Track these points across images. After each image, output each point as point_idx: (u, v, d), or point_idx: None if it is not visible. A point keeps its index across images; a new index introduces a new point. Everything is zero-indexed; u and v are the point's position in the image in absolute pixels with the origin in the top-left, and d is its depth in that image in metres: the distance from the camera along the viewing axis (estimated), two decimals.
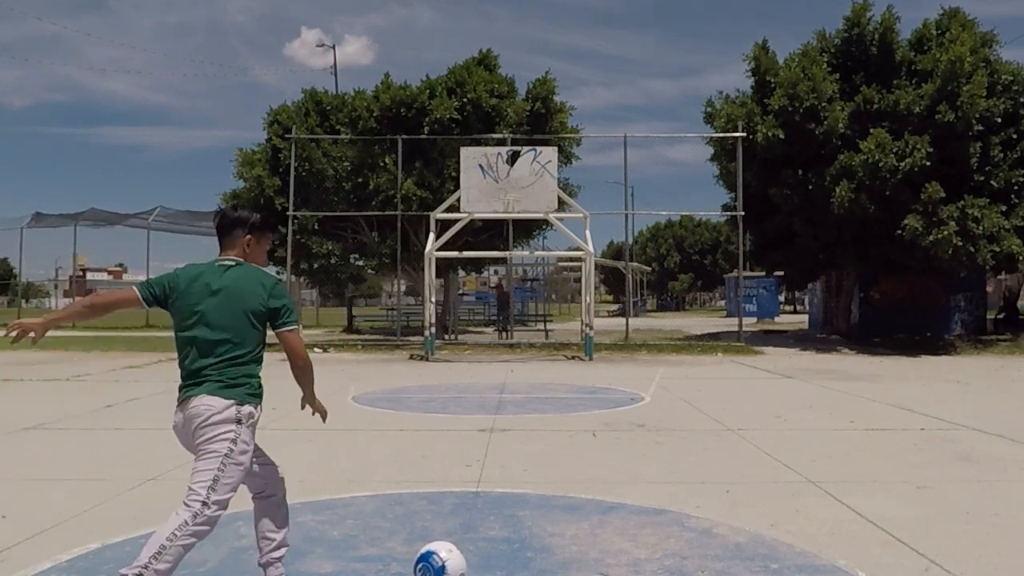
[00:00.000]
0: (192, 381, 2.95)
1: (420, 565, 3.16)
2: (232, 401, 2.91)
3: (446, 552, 3.15)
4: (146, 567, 2.74)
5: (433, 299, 17.06)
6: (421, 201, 19.66)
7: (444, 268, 21.90)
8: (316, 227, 21.01)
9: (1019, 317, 22.93)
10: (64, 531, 4.21)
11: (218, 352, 2.94)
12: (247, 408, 2.95)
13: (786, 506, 4.75)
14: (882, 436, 7.23)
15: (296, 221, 19.63)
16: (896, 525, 4.32)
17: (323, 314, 39.94)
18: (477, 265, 27.55)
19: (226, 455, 2.90)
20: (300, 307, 24.83)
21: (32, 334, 2.97)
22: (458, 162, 16.90)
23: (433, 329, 16.65)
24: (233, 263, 3.08)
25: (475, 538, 4.06)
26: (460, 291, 39.65)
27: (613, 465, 5.95)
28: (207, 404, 2.89)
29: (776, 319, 33.88)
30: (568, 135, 21.84)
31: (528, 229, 22.67)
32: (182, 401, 2.96)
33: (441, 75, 21.25)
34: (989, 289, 26.19)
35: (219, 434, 2.90)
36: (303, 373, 3.12)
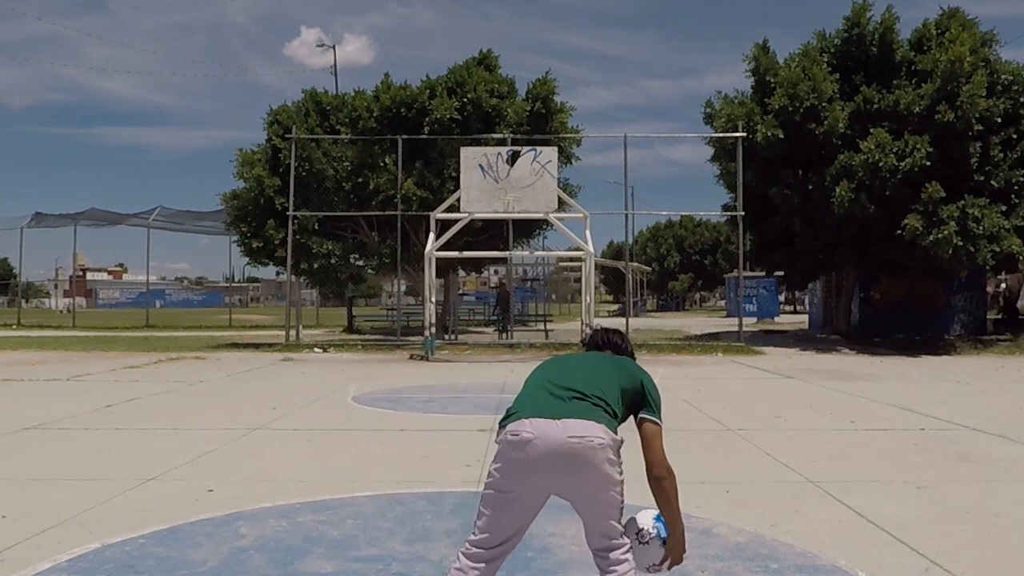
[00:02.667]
0: None
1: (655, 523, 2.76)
2: None
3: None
4: None
5: (433, 299, 17.06)
6: (421, 201, 19.66)
7: (444, 268, 21.89)
8: (316, 227, 21.01)
9: (1019, 317, 22.93)
10: (64, 531, 4.21)
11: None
12: None
13: (786, 506, 4.75)
14: (882, 436, 7.23)
15: (296, 221, 19.63)
16: (896, 525, 4.32)
17: (323, 314, 39.96)
18: (477, 265, 27.52)
19: None
20: (300, 307, 24.84)
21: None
22: (458, 162, 16.90)
23: (433, 329, 16.65)
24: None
25: None
26: (460, 291, 39.67)
27: None
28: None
29: (776, 319, 33.87)
30: (568, 135, 21.82)
31: (528, 229, 22.66)
32: None
33: (441, 75, 21.24)
34: (989, 289, 26.18)
35: None
36: (663, 490, 2.67)
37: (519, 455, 2.45)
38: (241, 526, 4.32)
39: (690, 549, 3.93)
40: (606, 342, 2.95)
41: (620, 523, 2.59)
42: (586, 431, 2.43)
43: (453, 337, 21.84)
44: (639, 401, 2.68)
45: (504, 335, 22.32)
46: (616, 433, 2.55)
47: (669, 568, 2.77)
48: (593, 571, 3.66)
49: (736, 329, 19.83)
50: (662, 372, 13.26)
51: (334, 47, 42.80)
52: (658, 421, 2.66)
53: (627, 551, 2.60)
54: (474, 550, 2.55)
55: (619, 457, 2.55)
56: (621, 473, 2.54)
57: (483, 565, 2.56)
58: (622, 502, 2.58)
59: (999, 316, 23.28)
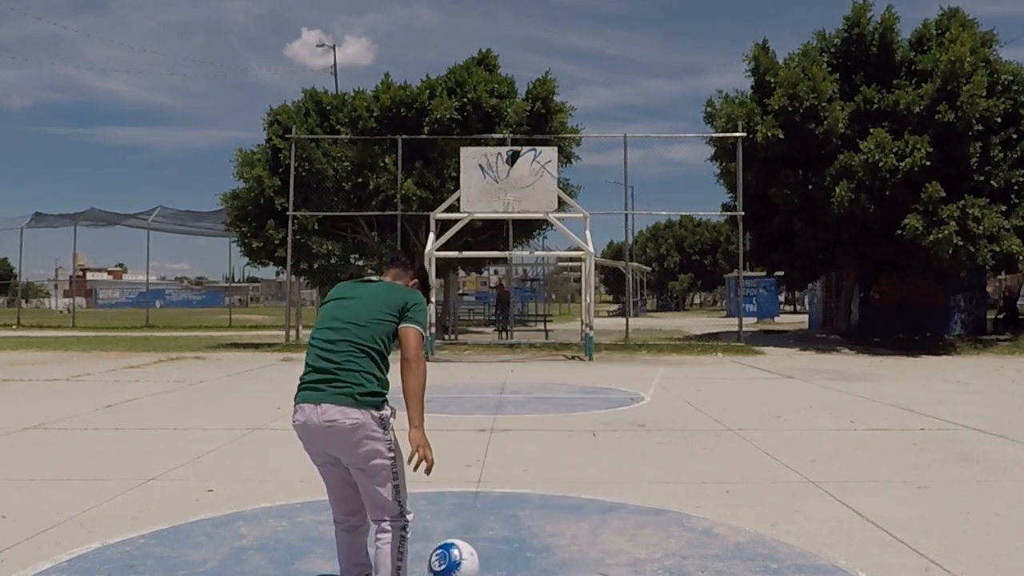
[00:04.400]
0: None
1: (438, 551, 3.13)
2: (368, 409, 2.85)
3: (468, 554, 3.12)
4: None
5: (433, 299, 17.06)
6: (421, 201, 19.65)
7: (444, 268, 21.88)
8: (316, 227, 21.00)
9: (1019, 317, 22.93)
10: (64, 531, 4.21)
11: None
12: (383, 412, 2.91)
13: (786, 506, 4.75)
14: (882, 436, 7.23)
15: (296, 221, 19.63)
16: (896, 525, 4.32)
17: None
18: (477, 265, 27.52)
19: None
20: (300, 307, 24.83)
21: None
22: (458, 162, 16.89)
23: (433, 329, 16.66)
24: (376, 280, 3.18)
25: (475, 538, 4.06)
26: (460, 291, 39.65)
27: (613, 465, 5.95)
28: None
29: (776, 319, 33.87)
30: (568, 135, 21.82)
31: (528, 229, 22.65)
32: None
33: (441, 75, 21.23)
34: (989, 289, 26.18)
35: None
36: (409, 374, 2.92)
37: (301, 435, 2.91)
38: (241, 526, 4.32)
39: (690, 549, 3.94)
40: (393, 261, 3.32)
41: (395, 499, 2.89)
42: (339, 415, 2.79)
43: (453, 337, 21.85)
44: (405, 315, 2.98)
45: (504, 335, 22.33)
46: (378, 408, 2.84)
47: (427, 470, 2.95)
48: (593, 571, 3.67)
49: (736, 329, 19.84)
50: (662, 372, 13.26)
51: (334, 47, 42.69)
52: (415, 326, 2.95)
53: (402, 528, 2.90)
54: (336, 524, 3.09)
55: (384, 430, 2.85)
56: (390, 449, 2.87)
57: (346, 535, 3.10)
58: (393, 476, 2.87)
59: (999, 316, 23.28)
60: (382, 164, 20.47)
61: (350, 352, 2.86)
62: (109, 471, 5.70)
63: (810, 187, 18.20)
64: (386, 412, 2.88)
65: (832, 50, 18.94)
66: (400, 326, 2.96)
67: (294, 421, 2.89)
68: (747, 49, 24.97)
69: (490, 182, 16.08)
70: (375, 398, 2.84)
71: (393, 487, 2.87)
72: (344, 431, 2.78)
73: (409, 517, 2.94)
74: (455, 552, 3.09)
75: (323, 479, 3.03)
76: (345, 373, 2.83)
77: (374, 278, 3.20)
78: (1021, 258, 17.51)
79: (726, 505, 4.76)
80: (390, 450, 2.87)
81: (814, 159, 18.09)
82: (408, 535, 2.92)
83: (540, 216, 17.72)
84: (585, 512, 4.58)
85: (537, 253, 30.05)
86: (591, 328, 16.38)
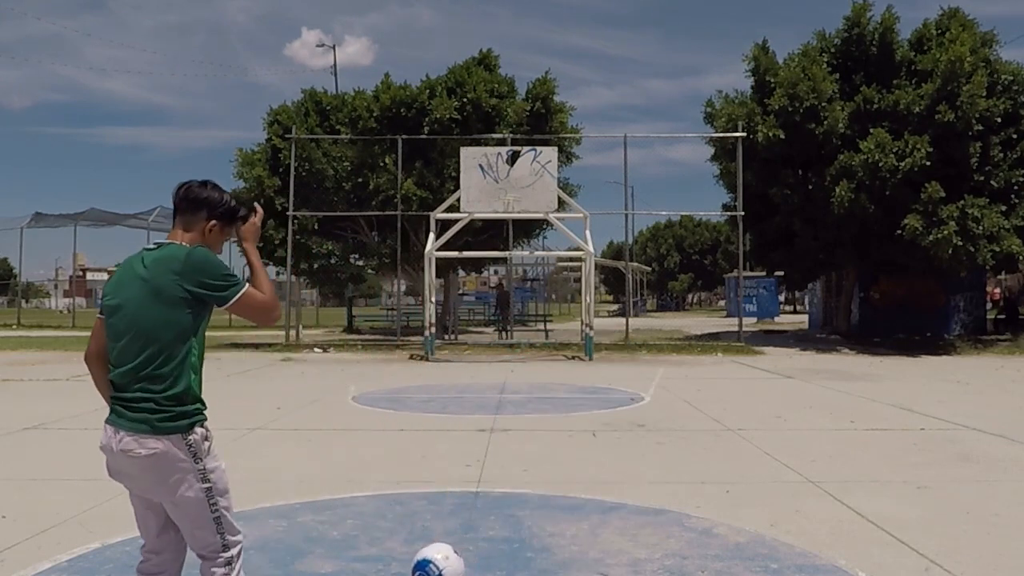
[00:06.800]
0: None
1: (417, 574, 3.04)
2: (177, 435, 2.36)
3: (443, 559, 3.04)
4: None
5: (433, 299, 17.06)
6: (421, 201, 19.67)
7: (444, 268, 21.89)
8: (316, 227, 21.01)
9: (1019, 317, 22.93)
10: (64, 531, 4.21)
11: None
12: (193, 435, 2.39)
13: (786, 506, 4.75)
14: (882, 436, 7.23)
15: (296, 221, 19.63)
16: (896, 525, 4.32)
17: (323, 314, 39.93)
18: (477, 265, 27.54)
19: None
20: (300, 307, 24.82)
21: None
22: (458, 162, 16.90)
23: (433, 329, 16.65)
24: (155, 247, 2.46)
25: (475, 538, 4.06)
26: (460, 291, 39.66)
27: (613, 465, 5.95)
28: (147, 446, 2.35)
29: (776, 319, 33.87)
30: (568, 135, 21.83)
31: (528, 229, 22.66)
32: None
33: (441, 75, 21.26)
34: (989, 289, 26.18)
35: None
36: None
37: (106, 461, 2.47)
38: (242, 525, 4.31)
39: (690, 549, 3.94)
40: (180, 203, 2.55)
41: (216, 533, 2.46)
42: (135, 444, 2.35)
43: (453, 337, 21.84)
44: (207, 300, 2.39)
45: (504, 335, 22.32)
46: (185, 432, 2.36)
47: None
48: (593, 571, 3.67)
49: (736, 329, 19.84)
50: (662, 372, 13.26)
51: (334, 47, 42.60)
52: (233, 296, 2.38)
53: (225, 565, 2.47)
54: (141, 561, 2.58)
55: (194, 459, 2.38)
56: (204, 479, 2.40)
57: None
58: (211, 507, 2.43)
59: (999, 316, 23.29)
60: (382, 164, 20.49)
61: (141, 381, 2.35)
62: None
63: (810, 187, 18.21)
64: (196, 436, 2.38)
65: (832, 50, 18.94)
66: (225, 306, 2.39)
67: (100, 442, 2.45)
68: (747, 49, 24.93)
69: (490, 182, 16.08)
70: (180, 421, 2.36)
71: (213, 520, 2.44)
72: (143, 462, 2.35)
73: (233, 551, 2.49)
74: (432, 568, 3.01)
75: (132, 507, 2.60)
76: (141, 402, 2.35)
77: (162, 242, 2.49)
78: (1021, 258, 17.51)
79: (726, 505, 4.75)
80: (204, 480, 2.39)
81: (814, 159, 18.10)
82: (236, 568, 2.49)
83: (540, 216, 17.72)
84: (585, 512, 4.58)
85: (537, 253, 30.08)
86: (591, 328, 16.38)
